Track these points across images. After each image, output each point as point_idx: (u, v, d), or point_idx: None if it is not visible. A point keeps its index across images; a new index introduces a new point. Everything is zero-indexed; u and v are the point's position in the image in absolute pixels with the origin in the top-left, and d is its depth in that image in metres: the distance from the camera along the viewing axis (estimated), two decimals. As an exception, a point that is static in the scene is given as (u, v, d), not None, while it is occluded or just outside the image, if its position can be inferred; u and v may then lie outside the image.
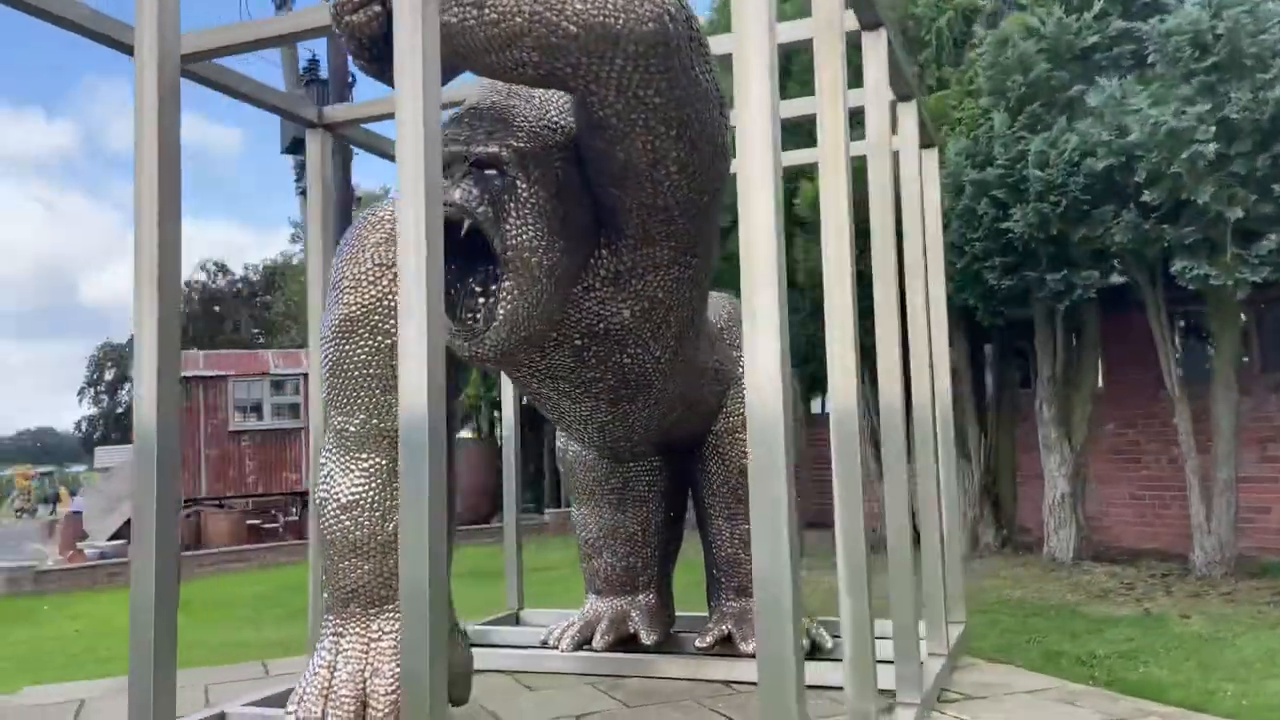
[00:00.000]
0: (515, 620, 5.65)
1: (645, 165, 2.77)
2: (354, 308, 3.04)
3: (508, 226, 2.72)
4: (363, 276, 3.04)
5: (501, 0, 2.40)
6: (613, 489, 4.63)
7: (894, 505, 3.24)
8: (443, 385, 1.88)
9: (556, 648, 4.46)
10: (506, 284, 2.74)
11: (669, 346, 3.43)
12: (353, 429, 3.08)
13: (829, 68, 2.51)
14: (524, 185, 2.77)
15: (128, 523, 16.98)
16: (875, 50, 3.32)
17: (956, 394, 9.07)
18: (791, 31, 3.46)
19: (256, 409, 16.62)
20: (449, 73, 2.73)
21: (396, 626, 3.10)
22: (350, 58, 2.76)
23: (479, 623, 5.37)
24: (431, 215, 1.79)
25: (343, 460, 3.08)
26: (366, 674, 3.02)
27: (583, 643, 4.46)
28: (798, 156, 5.45)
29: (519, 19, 2.40)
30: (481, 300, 2.80)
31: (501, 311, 2.75)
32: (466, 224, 2.68)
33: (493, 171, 2.75)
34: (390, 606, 3.12)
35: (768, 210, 1.76)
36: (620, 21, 2.41)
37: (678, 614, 5.04)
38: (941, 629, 4.06)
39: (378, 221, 3.09)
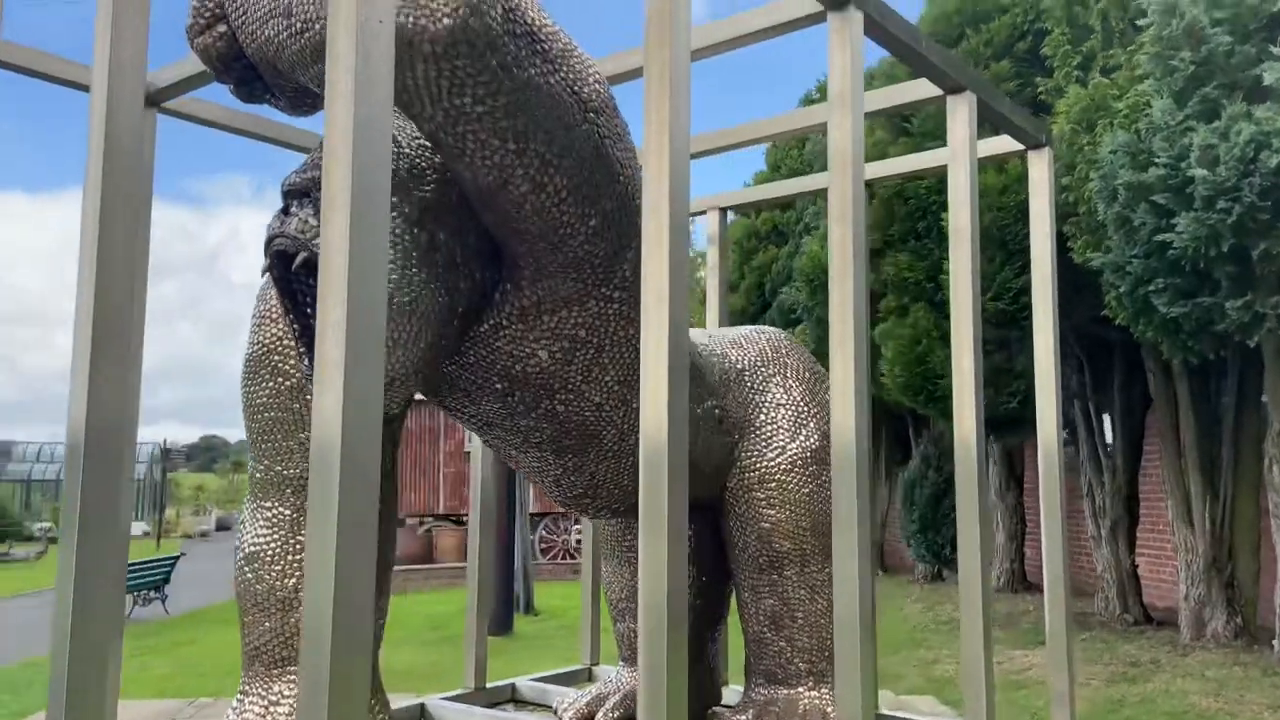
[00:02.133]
0: (588, 676, 5.40)
1: (494, 185, 2.49)
2: (256, 347, 2.99)
3: None
4: (265, 315, 3.00)
5: (304, 8, 2.26)
6: (629, 547, 4.28)
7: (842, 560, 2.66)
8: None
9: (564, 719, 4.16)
10: None
11: (612, 392, 3.10)
12: (259, 475, 3.02)
13: (655, 89, 2.09)
14: None
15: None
16: (841, 35, 2.78)
17: (1178, 447, 7.69)
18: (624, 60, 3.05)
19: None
20: (299, 98, 2.62)
21: (295, 691, 2.99)
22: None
23: (536, 677, 5.18)
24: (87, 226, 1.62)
25: (250, 508, 3.03)
26: (260, 741, 2.92)
27: (588, 717, 4.13)
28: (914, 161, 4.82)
29: (319, 25, 2.24)
30: None
31: None
32: (300, 257, 2.53)
33: None
34: (292, 669, 3.00)
35: (342, 231, 1.44)
36: (411, 20, 2.18)
37: (735, 689, 4.57)
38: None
39: None
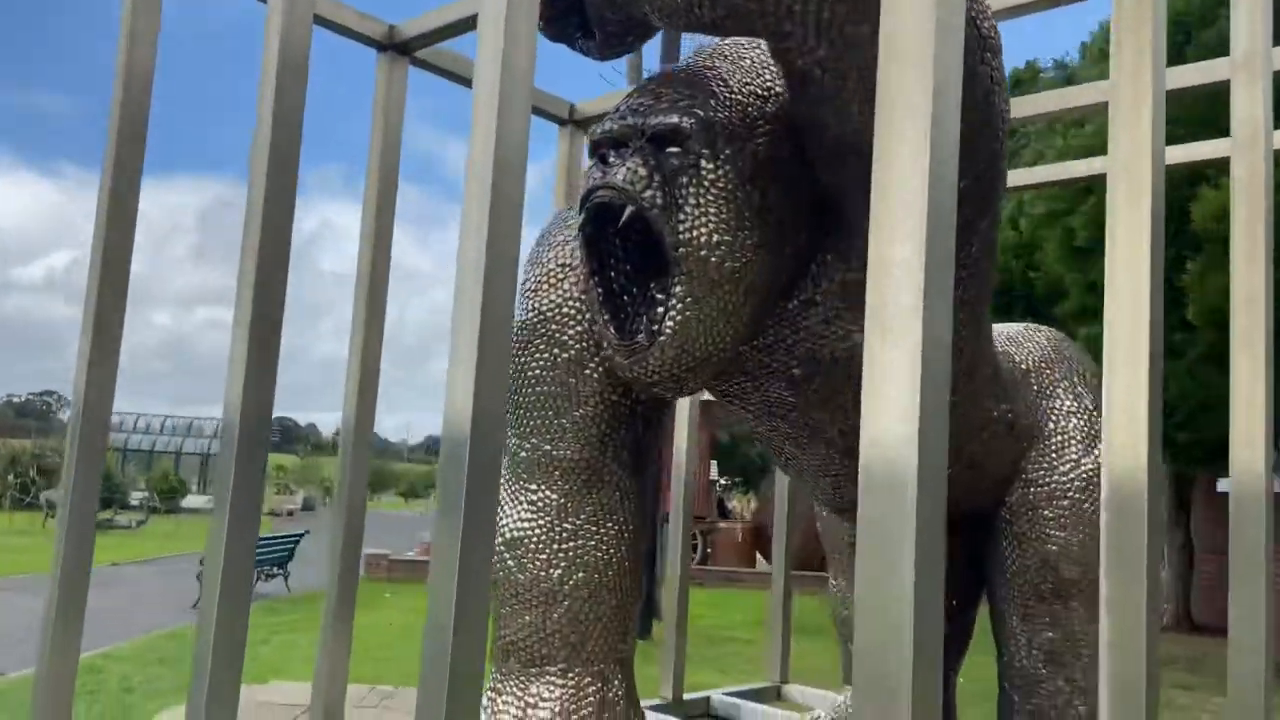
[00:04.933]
0: (776, 694, 5.09)
1: (863, 130, 2.14)
2: (531, 314, 2.74)
3: (682, 217, 2.27)
4: (543, 279, 2.75)
5: None
6: (876, 561, 3.90)
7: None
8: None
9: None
10: (677, 290, 2.29)
11: (920, 385, 2.71)
12: (524, 454, 2.77)
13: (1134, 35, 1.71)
14: (709, 165, 2.29)
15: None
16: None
17: None
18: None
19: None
20: (618, 36, 2.35)
21: (557, 694, 2.72)
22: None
23: (728, 691, 4.89)
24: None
25: (512, 489, 2.77)
26: (517, 746, 2.67)
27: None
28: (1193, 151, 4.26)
29: None
30: (660, 310, 2.35)
31: (669, 325, 2.30)
32: (627, 211, 2.24)
33: (674, 149, 2.29)
34: (552, 669, 2.74)
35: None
36: None
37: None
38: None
39: (568, 216, 2.77)
